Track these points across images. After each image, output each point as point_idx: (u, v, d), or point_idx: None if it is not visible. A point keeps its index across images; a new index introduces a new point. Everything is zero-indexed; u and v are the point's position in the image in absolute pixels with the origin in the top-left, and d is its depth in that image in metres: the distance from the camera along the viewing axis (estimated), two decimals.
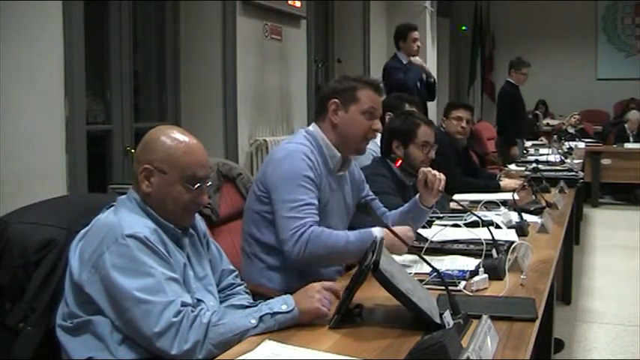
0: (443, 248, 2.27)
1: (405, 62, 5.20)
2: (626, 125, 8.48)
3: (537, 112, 9.91)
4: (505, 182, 3.90)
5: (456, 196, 3.32)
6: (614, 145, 8.20)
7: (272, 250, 2.20)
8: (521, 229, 2.57)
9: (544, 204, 3.14)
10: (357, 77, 2.29)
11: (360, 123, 2.23)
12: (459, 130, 4.03)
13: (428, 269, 1.80)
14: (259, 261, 2.24)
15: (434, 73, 8.70)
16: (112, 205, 1.72)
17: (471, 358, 1.23)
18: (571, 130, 8.44)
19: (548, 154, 5.58)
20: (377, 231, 2.03)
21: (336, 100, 2.22)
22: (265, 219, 2.20)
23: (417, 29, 5.37)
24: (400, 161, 2.80)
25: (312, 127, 2.28)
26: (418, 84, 5.23)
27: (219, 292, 1.83)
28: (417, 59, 5.30)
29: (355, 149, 2.28)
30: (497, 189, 3.72)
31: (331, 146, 2.24)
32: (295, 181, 2.11)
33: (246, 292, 1.91)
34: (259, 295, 1.98)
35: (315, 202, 2.13)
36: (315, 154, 2.19)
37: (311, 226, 2.06)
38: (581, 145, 7.38)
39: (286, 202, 2.09)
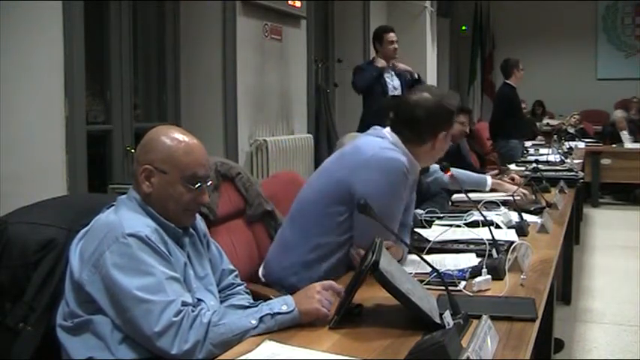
0: (443, 248, 2.27)
1: (379, 65, 5.19)
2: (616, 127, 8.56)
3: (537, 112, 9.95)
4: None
5: (456, 196, 3.35)
6: (614, 145, 8.20)
7: (317, 248, 2.18)
8: (521, 229, 2.57)
9: (544, 204, 3.14)
10: (452, 98, 2.23)
11: (447, 144, 2.25)
12: (462, 133, 4.17)
13: (428, 269, 1.80)
14: (294, 255, 2.21)
15: (434, 73, 8.78)
16: (113, 205, 1.72)
17: (471, 358, 1.23)
18: (571, 130, 8.45)
19: (548, 154, 5.58)
20: None
21: (445, 133, 2.17)
22: (331, 221, 2.16)
23: (393, 31, 5.33)
24: (450, 172, 2.74)
25: (392, 138, 2.18)
26: (401, 87, 5.22)
27: (219, 291, 1.83)
28: (400, 65, 5.32)
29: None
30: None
31: (416, 162, 2.19)
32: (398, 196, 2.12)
33: (246, 292, 1.92)
34: (258, 296, 1.98)
35: None
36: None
37: None
38: (581, 145, 7.38)
39: (391, 216, 2.09)
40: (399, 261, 1.97)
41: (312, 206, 2.22)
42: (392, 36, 5.28)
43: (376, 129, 2.25)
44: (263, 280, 2.31)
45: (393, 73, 5.25)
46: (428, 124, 2.15)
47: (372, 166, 2.10)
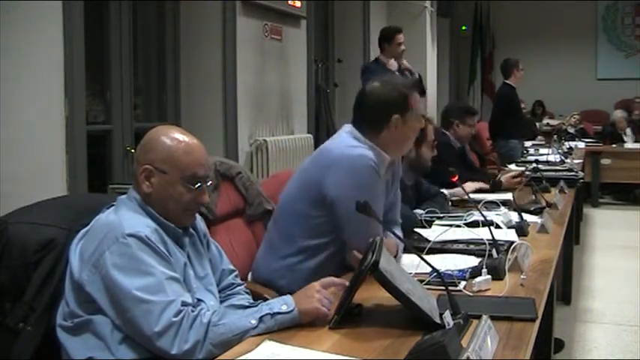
0: (443, 248, 2.27)
1: (392, 68, 5.17)
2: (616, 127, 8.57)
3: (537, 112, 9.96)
4: (505, 177, 3.92)
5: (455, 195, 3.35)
6: (614, 145, 8.21)
7: (302, 251, 2.18)
8: (521, 229, 2.57)
9: (544, 204, 3.14)
10: (406, 83, 2.22)
11: (416, 129, 2.22)
12: (469, 135, 4.20)
13: (428, 269, 1.80)
14: (281, 258, 2.21)
15: (434, 73, 8.77)
16: (113, 205, 1.72)
17: (471, 358, 1.23)
18: (571, 130, 8.44)
19: (548, 154, 5.57)
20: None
21: (398, 116, 2.13)
22: (310, 223, 2.15)
23: (402, 32, 5.36)
24: (457, 177, 2.66)
25: (355, 133, 2.15)
26: None
27: (219, 291, 1.83)
28: (404, 61, 5.34)
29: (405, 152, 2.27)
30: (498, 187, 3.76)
31: (382, 153, 2.15)
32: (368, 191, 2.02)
33: (246, 292, 1.92)
34: (258, 296, 1.98)
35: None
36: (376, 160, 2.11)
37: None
38: (581, 145, 7.38)
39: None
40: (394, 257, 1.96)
41: (291, 207, 2.21)
42: (401, 37, 5.31)
43: (345, 126, 2.23)
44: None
45: (396, 72, 5.26)
46: (378, 109, 2.14)
47: (339, 165, 2.09)
